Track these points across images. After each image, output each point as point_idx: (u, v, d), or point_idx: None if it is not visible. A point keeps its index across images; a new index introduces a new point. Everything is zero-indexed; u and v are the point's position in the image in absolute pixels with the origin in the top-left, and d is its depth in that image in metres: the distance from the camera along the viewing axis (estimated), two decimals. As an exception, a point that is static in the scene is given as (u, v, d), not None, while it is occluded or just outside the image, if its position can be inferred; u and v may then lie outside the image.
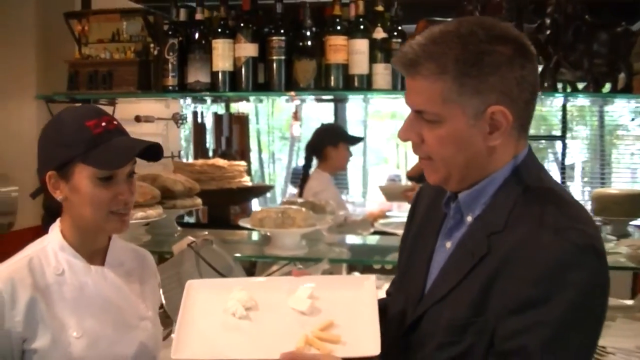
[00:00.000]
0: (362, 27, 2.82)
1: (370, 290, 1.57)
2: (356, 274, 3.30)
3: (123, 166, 1.75)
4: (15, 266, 1.75)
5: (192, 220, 5.05)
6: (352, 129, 8.26)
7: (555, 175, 8.21)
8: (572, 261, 1.34)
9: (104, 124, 1.75)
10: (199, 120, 6.07)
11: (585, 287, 1.34)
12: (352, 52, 2.81)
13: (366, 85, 2.82)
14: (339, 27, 2.82)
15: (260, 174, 8.61)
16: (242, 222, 2.98)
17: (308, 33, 2.85)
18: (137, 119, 4.42)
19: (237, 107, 6.42)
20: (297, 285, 1.61)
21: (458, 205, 1.53)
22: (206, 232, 2.68)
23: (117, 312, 1.83)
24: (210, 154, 6.00)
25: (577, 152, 8.28)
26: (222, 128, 6.15)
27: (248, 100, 3.83)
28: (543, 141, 8.40)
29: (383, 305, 1.66)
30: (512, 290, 1.36)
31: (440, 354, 1.45)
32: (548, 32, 2.77)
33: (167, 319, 2.65)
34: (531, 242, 1.37)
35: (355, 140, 4.86)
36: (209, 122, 6.26)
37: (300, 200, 3.47)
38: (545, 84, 2.71)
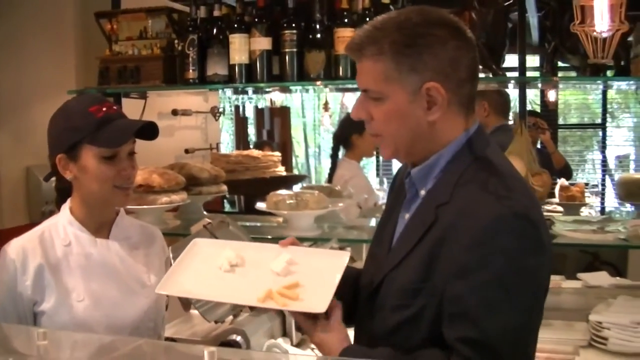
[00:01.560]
0: (368, 19, 2.94)
1: (341, 262, 1.76)
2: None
3: (124, 143, 1.99)
4: (28, 237, 2.02)
5: (231, 209, 5.26)
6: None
7: (598, 164, 8.20)
8: (505, 228, 1.48)
9: (105, 109, 2.00)
10: (241, 113, 6.28)
11: (517, 252, 1.47)
12: (359, 43, 2.95)
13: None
14: (346, 20, 2.96)
15: (306, 167, 8.77)
16: (259, 206, 3.15)
17: (318, 26, 3.00)
18: (174, 112, 4.65)
19: (280, 100, 6.59)
20: (281, 252, 1.83)
21: (412, 180, 1.68)
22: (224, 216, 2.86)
23: (118, 280, 2.05)
24: (252, 146, 6.19)
25: (622, 140, 8.20)
26: (264, 121, 6.35)
27: (284, 91, 3.98)
28: (587, 130, 8.37)
29: (357, 274, 1.85)
30: (454, 256, 1.50)
31: (394, 316, 1.59)
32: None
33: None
34: (469, 211, 1.51)
35: None
36: (251, 115, 6.46)
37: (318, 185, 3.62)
38: (544, 69, 2.81)
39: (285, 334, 2.75)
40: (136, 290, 2.08)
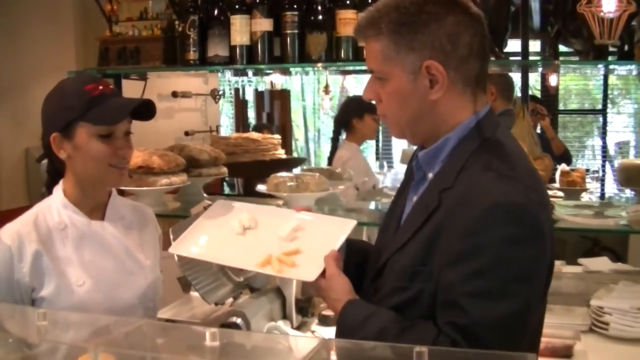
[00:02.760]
0: (370, 1, 2.93)
1: (345, 230, 1.80)
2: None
3: (120, 121, 1.97)
4: (22, 222, 1.98)
5: (231, 192, 5.25)
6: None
7: (598, 150, 8.18)
8: (500, 217, 1.47)
9: (101, 87, 1.97)
10: (241, 96, 6.26)
11: (512, 241, 1.46)
12: (361, 25, 2.93)
13: (375, 56, 2.94)
14: (348, 2, 2.93)
15: (306, 150, 8.76)
16: (260, 188, 3.14)
17: (320, 8, 2.98)
18: (174, 94, 4.64)
19: (283, 82, 6.56)
20: (293, 217, 1.89)
21: (419, 163, 1.68)
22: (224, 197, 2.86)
23: (116, 261, 2.04)
24: (252, 129, 6.17)
25: (622, 126, 8.19)
26: (264, 104, 6.32)
27: (284, 73, 3.97)
28: (588, 116, 8.35)
29: (368, 250, 1.86)
30: (450, 244, 1.50)
31: (393, 297, 1.60)
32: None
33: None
34: (467, 198, 1.51)
35: None
36: (250, 98, 6.44)
37: (318, 168, 3.61)
38: (547, 53, 2.80)
39: (285, 316, 2.75)
40: (134, 271, 2.07)
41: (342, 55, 2.97)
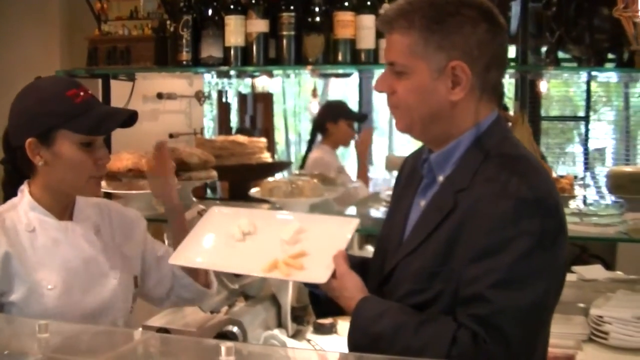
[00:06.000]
0: (369, 2, 2.88)
1: (350, 229, 1.78)
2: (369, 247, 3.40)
3: (111, 131, 1.96)
4: None
5: (213, 195, 5.16)
6: (378, 110, 8.32)
7: (579, 158, 8.20)
8: (527, 212, 1.49)
9: (82, 93, 1.91)
10: (224, 99, 6.17)
11: (538, 236, 1.49)
12: (359, 27, 2.87)
13: (373, 59, 2.89)
14: (346, 3, 2.88)
15: (286, 154, 8.71)
16: (253, 193, 3.08)
17: (317, 9, 2.92)
18: (159, 95, 4.54)
19: (263, 86, 6.51)
20: (293, 219, 1.86)
21: (430, 166, 1.67)
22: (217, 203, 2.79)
23: (88, 262, 1.97)
24: (234, 132, 6.10)
25: (603, 133, 8.24)
26: (247, 107, 6.26)
27: (271, 76, 3.92)
28: (569, 123, 8.39)
29: (366, 262, 1.85)
30: (472, 241, 1.51)
31: (408, 300, 1.59)
32: (554, 8, 2.84)
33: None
34: (488, 200, 1.52)
35: (356, 116, 5.06)
36: (233, 102, 6.36)
37: (311, 172, 3.55)
38: (548, 59, 2.77)
39: (280, 324, 2.69)
40: (105, 271, 2.01)
41: (340, 58, 2.91)
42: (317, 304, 1.90)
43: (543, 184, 1.56)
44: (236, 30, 2.97)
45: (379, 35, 2.87)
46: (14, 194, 2.00)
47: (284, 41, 2.94)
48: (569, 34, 2.74)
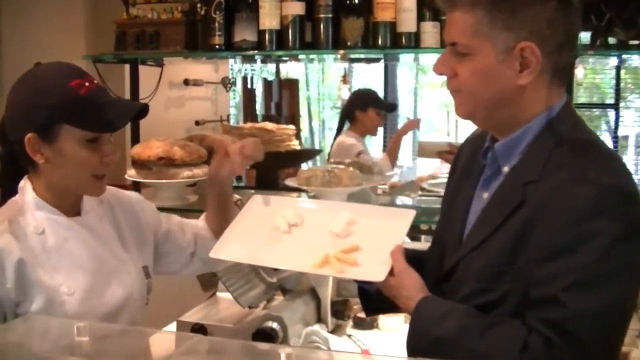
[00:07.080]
0: (410, -17, 2.75)
1: (406, 222, 1.66)
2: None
3: (123, 127, 1.77)
4: None
5: (241, 183, 5.06)
6: (403, 98, 8.20)
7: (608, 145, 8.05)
8: (602, 209, 1.37)
9: (87, 84, 1.73)
10: (249, 85, 6.07)
11: (617, 234, 1.36)
12: (399, 9, 2.74)
13: (414, 43, 2.76)
14: (387, -15, 2.75)
15: (310, 142, 8.62)
16: (289, 182, 2.97)
17: (355, -10, 2.79)
18: (186, 82, 4.46)
19: (287, 71, 6.41)
20: (342, 210, 1.75)
21: (495, 155, 1.56)
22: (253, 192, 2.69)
23: (101, 260, 1.84)
24: (260, 119, 6.00)
25: (632, 121, 8.08)
26: (272, 93, 6.14)
27: (297, 60, 3.82)
28: (596, 111, 8.25)
29: (421, 256, 1.73)
30: (545, 239, 1.39)
31: (472, 301, 1.48)
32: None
33: (213, 277, 2.68)
34: (564, 191, 1.40)
35: (385, 106, 5.05)
36: (258, 88, 6.26)
37: (347, 160, 3.43)
38: (597, 43, 2.63)
39: (319, 319, 2.59)
40: (118, 267, 1.88)
41: (380, 42, 2.78)
42: (367, 301, 1.80)
43: (622, 171, 1.46)
44: (271, 12, 2.84)
45: (420, 17, 2.75)
46: (12, 189, 1.84)
47: (321, 24, 2.81)
48: (619, 17, 2.59)
